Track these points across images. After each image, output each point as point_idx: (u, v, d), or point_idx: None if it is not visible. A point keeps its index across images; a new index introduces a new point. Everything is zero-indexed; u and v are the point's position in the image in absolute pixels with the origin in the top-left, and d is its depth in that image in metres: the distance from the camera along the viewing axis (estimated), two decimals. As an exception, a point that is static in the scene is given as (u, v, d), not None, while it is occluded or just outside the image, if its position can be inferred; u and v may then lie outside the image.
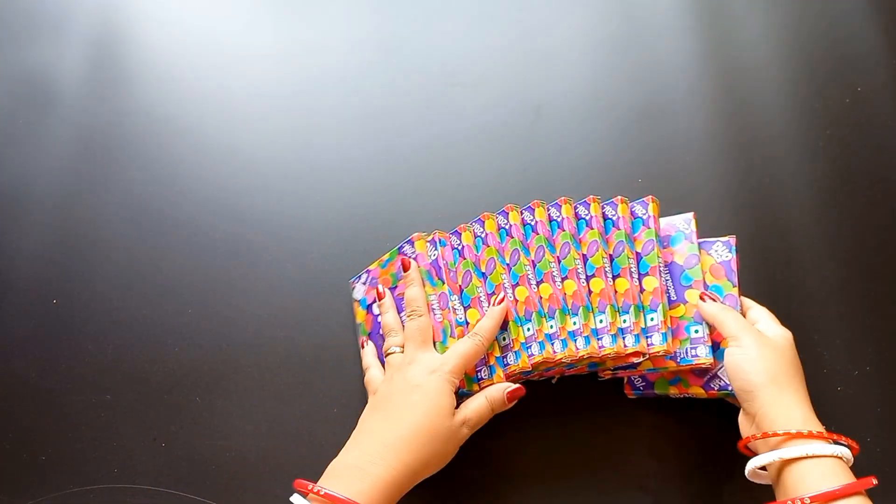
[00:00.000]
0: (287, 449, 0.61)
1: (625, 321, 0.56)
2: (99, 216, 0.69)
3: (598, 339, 0.56)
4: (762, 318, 0.58)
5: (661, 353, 0.56)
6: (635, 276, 0.58)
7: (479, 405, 0.54)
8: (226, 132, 0.72)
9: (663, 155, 0.71)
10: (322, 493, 0.47)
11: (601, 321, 0.56)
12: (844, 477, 0.47)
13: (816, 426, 0.50)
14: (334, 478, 0.49)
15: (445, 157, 0.71)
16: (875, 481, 0.46)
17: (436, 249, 0.58)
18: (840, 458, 0.48)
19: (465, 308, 0.57)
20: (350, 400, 0.62)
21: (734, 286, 0.59)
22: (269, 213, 0.69)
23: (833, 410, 0.62)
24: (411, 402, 0.52)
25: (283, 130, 0.72)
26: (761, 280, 0.67)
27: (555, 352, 0.55)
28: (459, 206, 0.69)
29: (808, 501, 0.45)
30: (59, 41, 0.76)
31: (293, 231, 0.68)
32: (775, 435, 0.49)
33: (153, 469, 0.60)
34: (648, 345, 0.56)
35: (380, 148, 0.71)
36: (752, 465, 0.50)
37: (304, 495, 0.48)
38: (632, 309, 0.56)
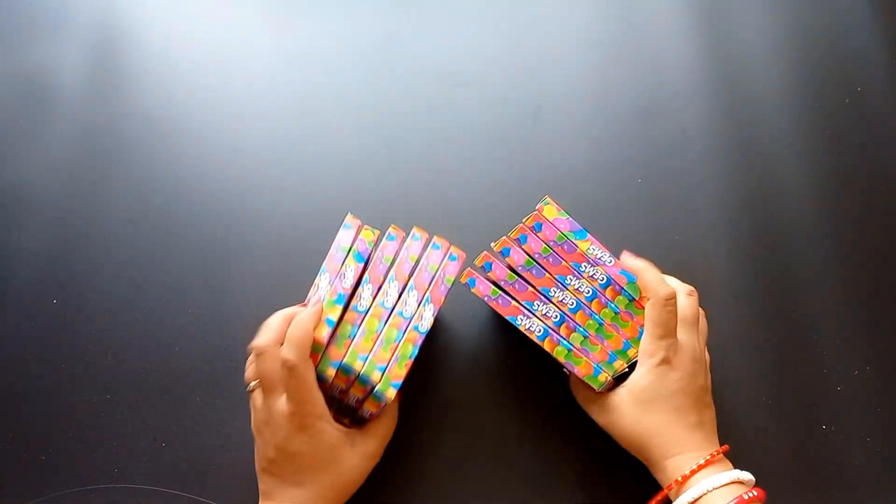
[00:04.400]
0: (287, 449, 0.60)
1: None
2: (99, 216, 0.69)
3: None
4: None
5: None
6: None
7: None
8: (226, 132, 0.72)
9: (663, 154, 0.71)
10: None
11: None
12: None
13: (709, 446, 0.50)
14: None
15: (446, 158, 0.71)
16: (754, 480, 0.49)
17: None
18: (740, 482, 0.48)
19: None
20: (350, 400, 0.62)
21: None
22: (269, 214, 0.69)
23: (833, 410, 0.62)
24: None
25: (284, 130, 0.72)
26: (761, 280, 0.67)
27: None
28: (460, 206, 0.69)
29: None
30: (59, 41, 0.76)
31: (294, 231, 0.68)
32: (678, 483, 0.48)
33: (153, 469, 0.60)
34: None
35: (380, 148, 0.71)
36: None
37: None
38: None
